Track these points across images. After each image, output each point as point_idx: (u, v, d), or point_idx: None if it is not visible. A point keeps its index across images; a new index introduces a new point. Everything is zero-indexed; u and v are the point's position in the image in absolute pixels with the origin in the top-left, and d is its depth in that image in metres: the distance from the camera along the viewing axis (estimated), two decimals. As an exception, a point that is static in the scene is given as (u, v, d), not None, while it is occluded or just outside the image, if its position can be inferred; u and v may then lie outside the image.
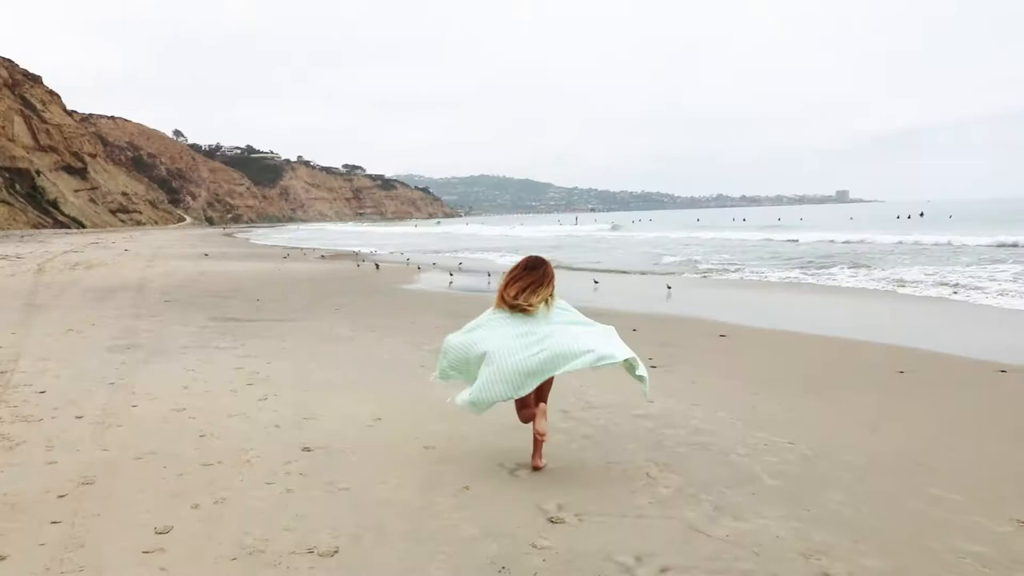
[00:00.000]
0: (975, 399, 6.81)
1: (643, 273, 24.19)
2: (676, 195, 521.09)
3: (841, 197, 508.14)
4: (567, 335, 4.35)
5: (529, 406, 4.56)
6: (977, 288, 15.99)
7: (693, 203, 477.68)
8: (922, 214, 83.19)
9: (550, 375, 4.30)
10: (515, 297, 4.48)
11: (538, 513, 3.94)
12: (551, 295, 4.56)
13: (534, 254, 4.81)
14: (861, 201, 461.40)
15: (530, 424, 4.65)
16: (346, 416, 5.86)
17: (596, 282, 19.87)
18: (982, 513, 3.96)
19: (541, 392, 4.54)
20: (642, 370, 4.38)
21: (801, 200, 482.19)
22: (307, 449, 5.01)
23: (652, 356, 8.80)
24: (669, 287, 17.88)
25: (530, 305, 4.45)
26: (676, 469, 4.66)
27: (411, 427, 5.60)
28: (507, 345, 4.33)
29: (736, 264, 26.27)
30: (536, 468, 4.60)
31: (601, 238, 56.26)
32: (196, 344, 9.44)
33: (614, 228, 74.73)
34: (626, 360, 4.35)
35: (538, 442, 4.59)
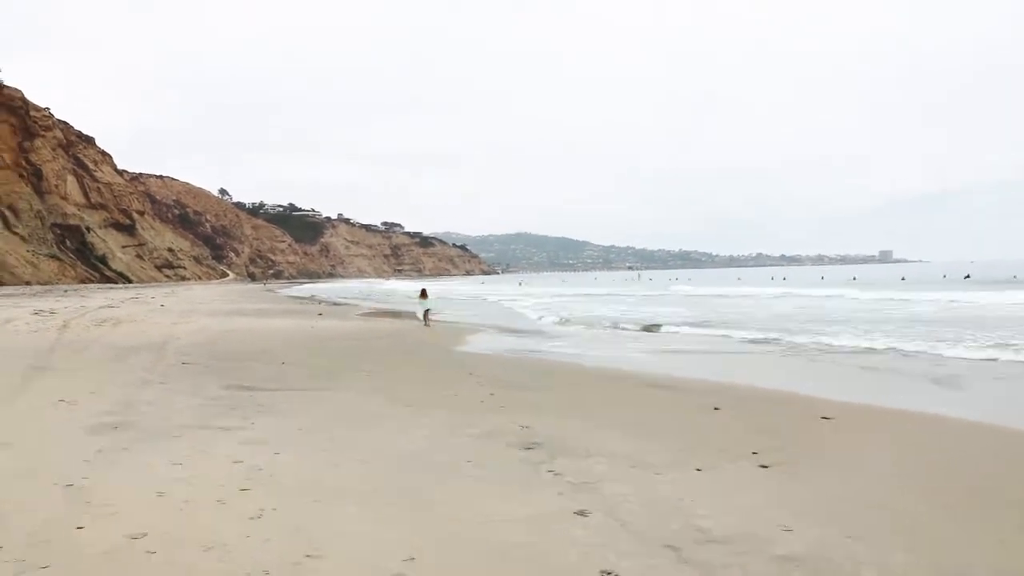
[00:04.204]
0: None
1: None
2: (714, 254, 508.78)
3: (884, 257, 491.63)
4: (425, 302, 27.73)
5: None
6: None
7: (732, 262, 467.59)
8: (967, 276, 78.76)
9: (426, 308, 27.39)
10: (421, 296, 28.06)
11: None
12: (426, 296, 27.90)
13: (423, 287, 32.14)
14: (905, 261, 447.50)
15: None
16: (364, 555, 4.12)
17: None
18: None
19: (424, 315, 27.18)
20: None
21: (843, 260, 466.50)
22: (301, 623, 3.30)
23: (757, 450, 6.91)
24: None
25: (425, 297, 27.78)
26: None
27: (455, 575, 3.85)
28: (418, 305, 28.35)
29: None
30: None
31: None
32: (197, 423, 7.86)
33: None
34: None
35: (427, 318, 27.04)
